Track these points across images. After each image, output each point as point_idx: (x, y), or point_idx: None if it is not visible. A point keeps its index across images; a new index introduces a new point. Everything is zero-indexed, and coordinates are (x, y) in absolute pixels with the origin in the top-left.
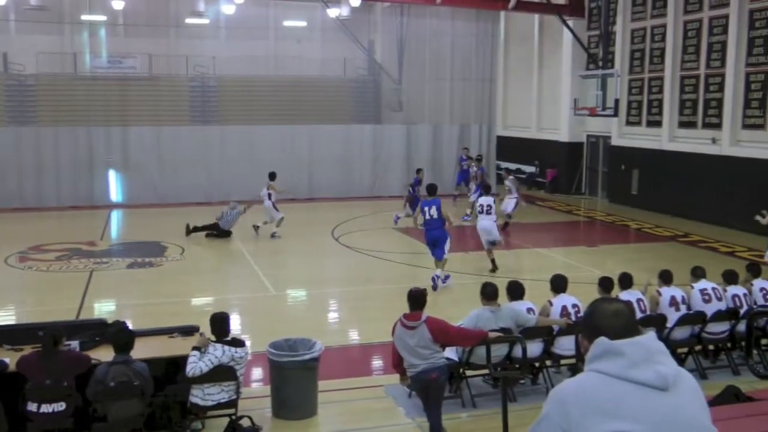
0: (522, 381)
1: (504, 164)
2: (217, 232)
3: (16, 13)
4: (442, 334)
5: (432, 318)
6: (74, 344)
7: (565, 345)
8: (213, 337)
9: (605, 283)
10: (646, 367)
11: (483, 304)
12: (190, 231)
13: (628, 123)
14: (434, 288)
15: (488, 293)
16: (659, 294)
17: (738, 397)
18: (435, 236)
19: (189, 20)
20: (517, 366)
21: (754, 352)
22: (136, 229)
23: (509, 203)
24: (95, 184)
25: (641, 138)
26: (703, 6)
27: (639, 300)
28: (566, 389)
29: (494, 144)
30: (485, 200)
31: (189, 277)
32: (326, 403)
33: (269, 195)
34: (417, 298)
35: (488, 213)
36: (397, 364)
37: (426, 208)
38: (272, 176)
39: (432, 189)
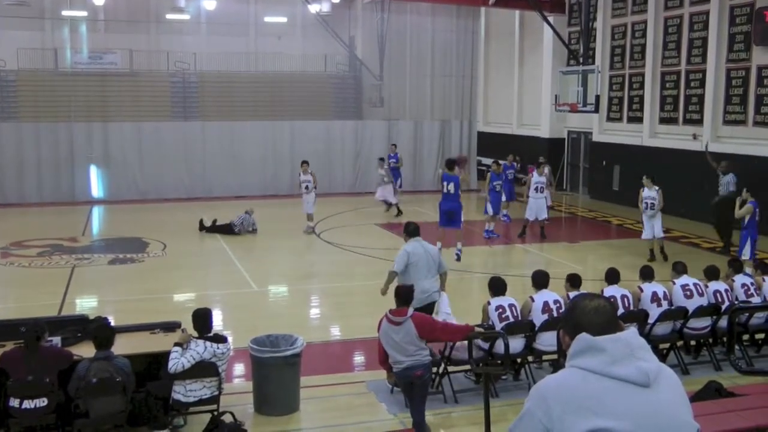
0: (504, 377)
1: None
2: (227, 232)
3: None
4: (428, 330)
5: (418, 314)
6: (56, 340)
7: (547, 341)
8: (195, 334)
9: (573, 280)
10: (627, 363)
11: (407, 240)
12: (203, 227)
13: (609, 119)
14: (458, 259)
15: (411, 231)
16: (641, 290)
17: (720, 393)
18: (450, 208)
19: (169, 16)
20: (499, 362)
21: (736, 347)
22: (118, 225)
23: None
24: (76, 180)
25: (622, 134)
26: (684, 2)
27: (624, 296)
28: (547, 385)
29: (475, 140)
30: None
31: (171, 273)
32: (308, 398)
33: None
34: (403, 294)
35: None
36: (383, 360)
37: (445, 183)
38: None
39: (449, 164)
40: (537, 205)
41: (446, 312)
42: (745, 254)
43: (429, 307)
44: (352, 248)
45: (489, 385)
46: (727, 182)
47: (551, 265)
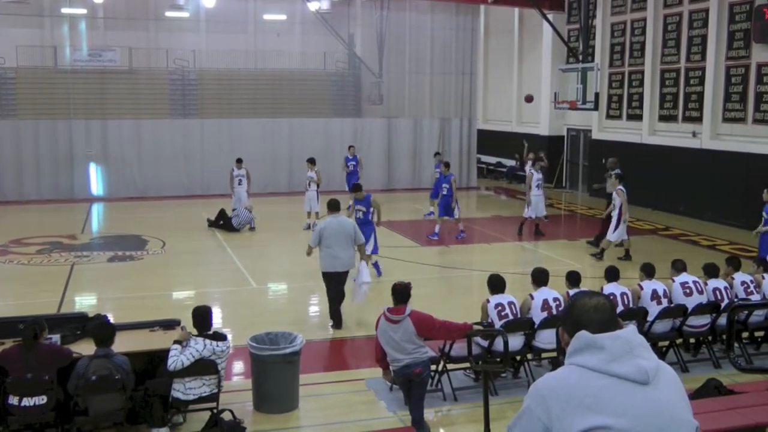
0: (503, 374)
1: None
2: (227, 226)
3: None
4: (427, 328)
5: (416, 312)
6: (55, 338)
7: (546, 338)
8: (194, 331)
9: (573, 277)
10: (626, 360)
11: (329, 213)
12: (212, 224)
13: (609, 117)
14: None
15: (331, 206)
16: (641, 288)
17: (719, 390)
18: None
19: (169, 13)
20: (499, 359)
21: (735, 345)
22: (117, 223)
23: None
24: (75, 178)
25: (621, 132)
26: (683, 0)
27: (623, 294)
28: (546, 383)
29: (475, 138)
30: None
31: (170, 271)
32: (307, 396)
33: (316, 183)
34: (401, 292)
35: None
36: (380, 358)
37: (358, 206)
38: (314, 162)
39: (356, 188)
40: (537, 202)
41: (364, 281)
42: None
43: (337, 274)
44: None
45: (488, 382)
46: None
47: (550, 262)
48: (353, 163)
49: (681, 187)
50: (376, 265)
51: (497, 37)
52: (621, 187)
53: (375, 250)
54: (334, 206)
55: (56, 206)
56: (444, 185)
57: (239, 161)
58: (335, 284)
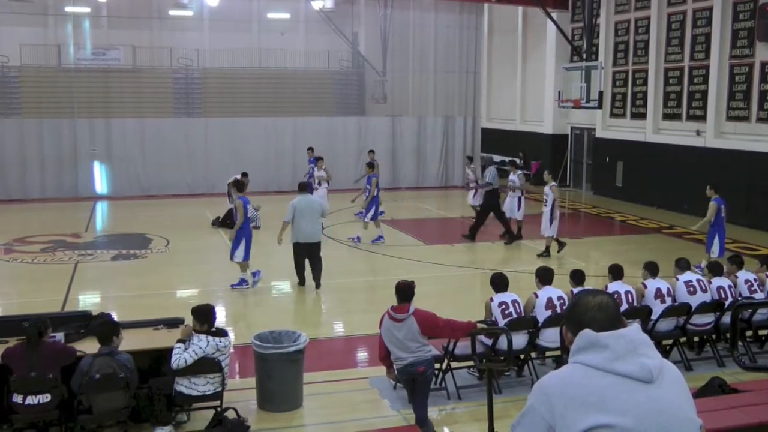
0: (507, 373)
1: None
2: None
3: None
4: (431, 327)
5: (420, 310)
6: (59, 336)
7: (550, 337)
8: (197, 326)
9: (577, 276)
10: (630, 359)
11: (299, 193)
12: (219, 223)
13: (613, 115)
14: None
15: (300, 187)
16: (644, 286)
17: (723, 389)
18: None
19: (172, 12)
20: (502, 358)
21: (739, 343)
22: (121, 221)
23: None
24: (79, 176)
25: (625, 130)
26: None
27: (627, 292)
28: (550, 382)
29: (479, 136)
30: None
31: (174, 269)
32: (311, 395)
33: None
34: (404, 291)
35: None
36: (383, 357)
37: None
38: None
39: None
40: (511, 206)
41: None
42: (714, 252)
43: (307, 245)
44: (355, 244)
45: (492, 381)
46: (491, 175)
47: (555, 261)
48: (313, 165)
49: (685, 185)
50: (256, 274)
51: (501, 36)
52: (555, 183)
53: (246, 257)
54: (303, 187)
55: (60, 205)
56: (367, 186)
57: (245, 175)
58: (304, 254)
